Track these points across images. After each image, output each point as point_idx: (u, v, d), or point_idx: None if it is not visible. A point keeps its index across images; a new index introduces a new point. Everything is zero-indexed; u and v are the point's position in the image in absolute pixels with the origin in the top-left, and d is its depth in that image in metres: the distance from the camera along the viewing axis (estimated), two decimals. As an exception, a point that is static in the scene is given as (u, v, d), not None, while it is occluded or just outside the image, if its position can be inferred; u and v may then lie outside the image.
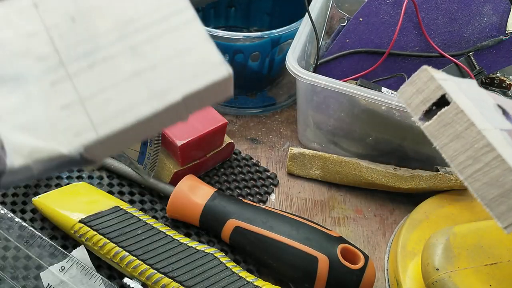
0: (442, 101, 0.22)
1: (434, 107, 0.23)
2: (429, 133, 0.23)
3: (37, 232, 0.39)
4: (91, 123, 0.15)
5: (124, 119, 0.15)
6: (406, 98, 0.26)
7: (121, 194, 0.46)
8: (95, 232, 0.38)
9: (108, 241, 0.38)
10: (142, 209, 0.44)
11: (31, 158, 0.14)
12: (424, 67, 0.24)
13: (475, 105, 0.22)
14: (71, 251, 0.39)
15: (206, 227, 0.42)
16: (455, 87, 0.22)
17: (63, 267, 0.37)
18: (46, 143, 0.14)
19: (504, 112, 0.24)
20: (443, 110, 0.22)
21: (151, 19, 0.17)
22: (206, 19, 0.65)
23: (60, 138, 0.15)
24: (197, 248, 0.38)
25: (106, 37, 0.16)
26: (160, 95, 0.16)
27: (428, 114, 0.23)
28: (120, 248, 0.38)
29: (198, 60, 0.16)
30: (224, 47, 0.52)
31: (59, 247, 0.38)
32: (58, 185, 0.45)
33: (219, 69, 0.16)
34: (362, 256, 0.38)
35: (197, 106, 0.17)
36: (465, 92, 0.22)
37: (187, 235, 0.43)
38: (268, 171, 0.50)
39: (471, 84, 0.25)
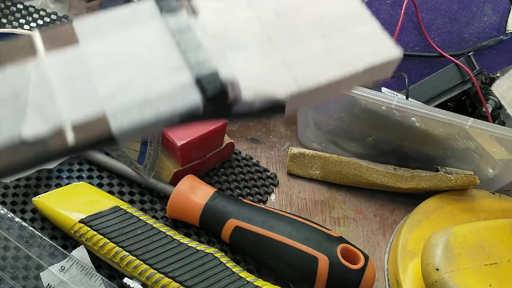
0: None
1: None
2: None
3: (37, 232, 0.39)
4: (294, 80, 0.19)
5: (320, 78, 0.19)
6: (502, 92, 0.27)
7: (121, 194, 0.46)
8: (95, 232, 0.38)
9: (108, 241, 0.38)
10: (142, 209, 0.44)
11: (255, 96, 0.19)
12: None
13: None
14: (71, 251, 0.39)
15: (206, 227, 0.42)
16: None
17: (63, 267, 0.37)
18: (265, 87, 0.19)
19: None
20: None
21: (338, 17, 0.21)
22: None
23: (273, 86, 0.19)
24: (197, 248, 0.38)
25: (302, 27, 0.21)
26: (346, 64, 0.19)
27: None
28: (120, 248, 0.38)
29: (376, 43, 0.20)
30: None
31: (59, 247, 0.38)
32: (58, 185, 0.45)
33: (392, 50, 0.20)
34: (362, 256, 0.38)
35: (373, 77, 0.21)
36: None
37: (187, 235, 0.43)
38: (268, 171, 0.50)
39: None
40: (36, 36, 0.19)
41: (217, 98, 0.18)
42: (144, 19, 0.20)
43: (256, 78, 0.20)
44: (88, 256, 0.39)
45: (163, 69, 0.19)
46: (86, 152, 0.47)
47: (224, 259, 0.38)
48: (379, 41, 0.20)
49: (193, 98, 0.18)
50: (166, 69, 0.19)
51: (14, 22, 0.64)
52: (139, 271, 0.37)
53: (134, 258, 0.37)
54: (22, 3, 0.65)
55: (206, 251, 0.38)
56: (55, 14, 0.66)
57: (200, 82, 0.18)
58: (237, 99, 0.19)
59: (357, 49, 0.20)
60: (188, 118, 0.18)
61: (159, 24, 0.20)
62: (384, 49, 0.20)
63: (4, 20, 0.64)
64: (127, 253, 0.37)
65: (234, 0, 0.21)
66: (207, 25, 0.21)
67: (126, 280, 0.37)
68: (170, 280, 0.36)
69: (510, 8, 0.48)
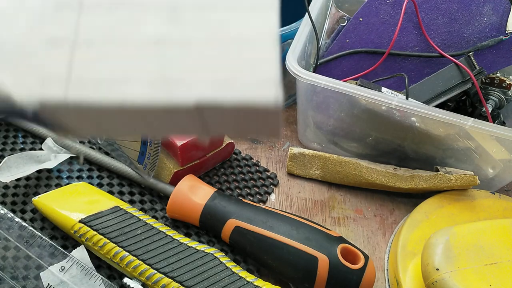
0: None
1: None
2: None
3: (37, 232, 0.39)
4: (67, 77, 0.12)
5: (107, 92, 0.11)
6: None
7: (121, 194, 0.46)
8: (95, 232, 0.38)
9: (108, 241, 0.38)
10: (142, 209, 0.44)
11: None
12: None
13: None
14: (71, 251, 0.39)
15: (206, 227, 0.42)
16: None
17: (63, 267, 0.37)
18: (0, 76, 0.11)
19: None
20: None
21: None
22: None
23: (21, 77, 0.12)
24: (197, 248, 0.38)
25: None
26: (169, 84, 0.12)
27: None
28: (120, 248, 0.38)
29: (245, 63, 0.12)
30: (224, 47, 0.52)
31: (59, 247, 0.38)
32: (58, 185, 0.45)
33: (267, 92, 0.12)
34: (362, 256, 0.38)
35: (216, 125, 0.13)
36: None
37: (187, 235, 0.43)
38: (268, 171, 0.50)
39: None
40: None
41: None
42: None
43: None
44: (88, 256, 0.39)
45: None
46: None
47: (224, 259, 0.38)
48: (254, 64, 0.13)
49: None
50: None
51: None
52: (139, 271, 0.37)
53: (134, 258, 0.37)
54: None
55: (206, 251, 0.38)
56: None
57: None
58: None
59: (205, 61, 0.13)
60: None
61: None
62: (252, 82, 0.12)
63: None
64: (127, 253, 0.37)
65: None
66: None
67: (126, 280, 0.37)
68: (170, 280, 0.36)
69: (510, 8, 0.48)
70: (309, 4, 0.50)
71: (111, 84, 0.12)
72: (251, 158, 0.51)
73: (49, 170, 0.46)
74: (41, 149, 0.47)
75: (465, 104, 0.51)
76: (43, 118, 0.12)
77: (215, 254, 0.38)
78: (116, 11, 0.13)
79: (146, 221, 0.40)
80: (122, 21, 0.13)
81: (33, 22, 0.12)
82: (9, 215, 0.40)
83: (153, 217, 0.44)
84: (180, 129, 0.13)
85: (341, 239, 0.39)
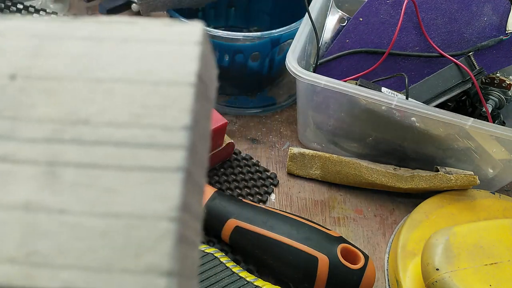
0: None
1: None
2: None
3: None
4: None
5: None
6: None
7: (121, 194, 0.46)
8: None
9: (108, 241, 0.38)
10: (142, 209, 0.44)
11: None
12: None
13: None
14: (71, 251, 0.39)
15: (206, 227, 0.42)
16: None
17: (63, 267, 0.37)
18: None
19: None
20: None
21: (112, 136, 0.11)
22: (206, 19, 0.65)
23: None
24: (197, 248, 0.38)
25: (32, 126, 0.11)
26: (31, 265, 0.10)
27: None
28: (120, 248, 0.38)
29: (132, 242, 0.10)
30: (224, 47, 0.52)
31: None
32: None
33: (154, 282, 0.10)
34: (362, 256, 0.38)
35: None
36: None
37: None
38: (268, 171, 0.50)
39: None
40: None
41: None
42: None
43: None
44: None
45: None
46: None
47: (224, 259, 0.38)
48: (144, 243, 0.10)
49: None
50: None
51: (14, 22, 0.64)
52: (139, 271, 0.37)
53: (134, 258, 0.37)
54: (22, 3, 0.65)
55: (206, 251, 0.38)
56: (55, 14, 0.66)
57: None
58: None
59: (81, 237, 0.10)
60: None
61: None
62: (135, 268, 0.10)
63: (4, 20, 0.64)
64: (127, 253, 0.37)
65: None
66: None
67: (126, 280, 0.37)
68: (170, 280, 0.36)
69: (510, 8, 0.48)
70: (309, 4, 0.50)
71: None
72: (251, 158, 0.51)
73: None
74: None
75: (465, 104, 0.51)
76: None
77: (215, 254, 0.38)
78: None
79: (146, 221, 0.40)
80: None
81: None
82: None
83: (153, 217, 0.44)
84: None
85: (341, 239, 0.39)
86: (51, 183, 0.10)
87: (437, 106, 0.46)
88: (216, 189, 0.43)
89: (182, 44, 0.12)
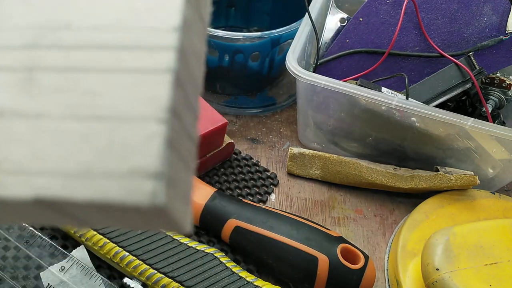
0: None
1: None
2: None
3: (37, 232, 0.39)
4: None
5: None
6: None
7: (121, 194, 0.46)
8: (95, 232, 0.38)
9: (108, 241, 0.38)
10: (142, 209, 0.44)
11: None
12: None
13: None
14: (71, 251, 0.39)
15: (206, 227, 0.42)
16: None
17: (63, 267, 0.37)
18: None
19: None
20: None
21: (94, 39, 0.10)
22: (206, 19, 0.65)
23: None
24: (197, 248, 0.38)
25: (9, 33, 0.10)
26: (2, 169, 0.09)
27: None
28: (120, 248, 0.38)
29: (115, 147, 0.09)
30: (224, 47, 0.52)
31: (59, 247, 0.38)
32: (58, 185, 0.45)
33: (139, 185, 0.09)
34: (362, 256, 0.38)
35: (94, 220, 0.10)
36: None
37: (187, 235, 0.43)
38: (268, 171, 0.50)
39: None
40: None
41: None
42: None
43: None
44: (88, 256, 0.39)
45: None
46: None
47: (224, 259, 0.38)
48: (129, 147, 0.09)
49: None
50: None
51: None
52: (139, 271, 0.37)
53: (134, 258, 0.37)
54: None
55: (206, 251, 0.38)
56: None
57: None
58: None
59: (57, 143, 0.09)
60: None
61: None
62: (120, 173, 0.09)
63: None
64: (127, 253, 0.37)
65: None
66: None
67: (126, 280, 0.37)
68: (170, 280, 0.36)
69: (510, 8, 0.48)
70: (309, 4, 0.50)
71: None
72: (251, 158, 0.51)
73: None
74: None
75: (465, 104, 0.51)
76: None
77: (215, 254, 0.38)
78: None
79: (146, 221, 0.40)
80: None
81: None
82: (9, 215, 0.40)
83: (153, 217, 0.44)
84: (28, 218, 0.10)
85: (341, 239, 0.39)
86: (29, 89, 0.10)
87: (437, 106, 0.46)
88: (216, 189, 0.43)
89: None
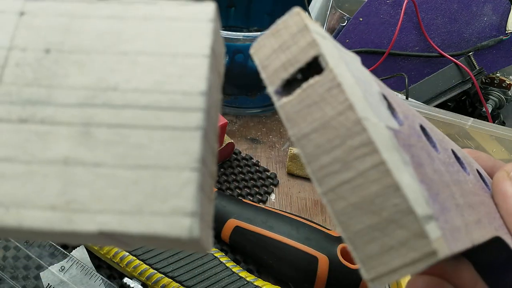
0: (314, 68, 0.14)
1: (300, 76, 0.14)
2: (285, 114, 0.14)
3: (37, 232, 0.39)
4: None
5: (3, 215, 0.12)
6: (263, 57, 0.15)
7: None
8: (95, 232, 0.38)
9: (108, 241, 0.38)
10: (142, 209, 0.44)
11: None
12: (297, 9, 0.15)
13: (359, 85, 0.13)
14: (71, 251, 0.39)
15: (206, 227, 0.42)
16: (335, 51, 0.14)
17: (63, 267, 0.37)
18: None
19: (390, 107, 0.15)
20: (311, 81, 0.14)
21: (137, 101, 0.12)
22: (206, 19, 0.65)
23: None
24: (197, 248, 0.38)
25: (66, 93, 0.13)
26: (70, 211, 0.12)
27: (290, 85, 0.14)
28: (120, 248, 0.38)
29: (158, 190, 0.12)
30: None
31: (59, 247, 0.38)
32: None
33: (180, 222, 0.11)
34: (362, 256, 0.38)
35: (125, 244, 0.13)
36: (347, 64, 0.14)
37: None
38: (268, 171, 0.50)
39: (355, 60, 0.16)
40: None
41: None
42: None
43: None
44: (88, 256, 0.39)
45: None
46: None
47: (224, 259, 0.38)
48: (169, 191, 0.12)
49: None
50: None
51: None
52: (139, 271, 0.37)
53: (134, 258, 0.37)
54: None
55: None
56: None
57: None
58: None
59: (114, 185, 0.12)
60: None
61: None
62: (163, 212, 0.12)
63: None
64: (127, 253, 0.37)
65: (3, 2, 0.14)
66: None
67: (126, 280, 0.37)
68: (170, 280, 0.36)
69: (510, 8, 0.48)
70: (309, 4, 0.50)
71: (7, 207, 0.12)
72: (251, 158, 0.51)
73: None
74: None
75: (465, 104, 0.51)
76: None
77: (215, 254, 0.38)
78: (24, 125, 0.13)
79: (146, 221, 0.40)
80: (25, 140, 0.12)
81: None
82: (9, 215, 0.40)
83: (153, 217, 0.44)
84: (79, 241, 0.13)
85: (341, 239, 0.39)
86: (86, 141, 0.12)
87: (437, 106, 0.46)
88: (216, 189, 0.43)
89: (197, 21, 0.14)
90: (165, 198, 0.12)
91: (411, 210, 0.12)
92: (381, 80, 0.49)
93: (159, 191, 0.12)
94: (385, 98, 0.15)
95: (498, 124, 0.45)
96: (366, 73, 0.16)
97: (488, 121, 0.46)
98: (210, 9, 0.14)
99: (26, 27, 0.14)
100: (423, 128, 0.16)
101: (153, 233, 0.11)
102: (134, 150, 0.12)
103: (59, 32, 0.13)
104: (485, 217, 0.17)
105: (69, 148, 0.12)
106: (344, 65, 0.14)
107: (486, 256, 0.19)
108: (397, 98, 0.17)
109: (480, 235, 0.15)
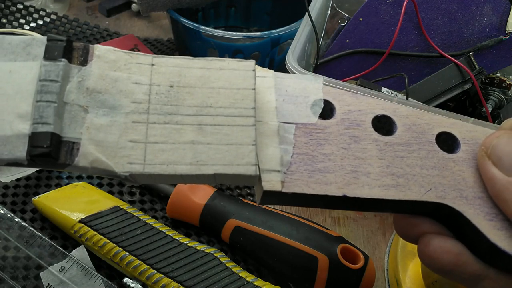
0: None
1: None
2: None
3: (37, 232, 0.39)
4: (144, 160, 0.20)
5: (166, 169, 0.20)
6: None
7: (121, 194, 0.46)
8: (95, 232, 0.38)
9: (108, 241, 0.38)
10: (142, 209, 0.44)
11: (91, 164, 0.20)
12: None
13: (279, 102, 0.23)
14: (71, 251, 0.39)
15: (206, 227, 0.42)
16: (272, 83, 0.24)
17: (63, 267, 0.37)
18: (106, 159, 0.20)
19: (331, 109, 0.25)
20: None
21: (223, 112, 0.22)
22: (206, 19, 0.65)
23: (118, 160, 0.20)
24: (197, 248, 0.38)
25: (186, 109, 0.22)
26: (199, 164, 0.21)
27: None
28: (120, 248, 0.38)
29: (238, 154, 0.21)
30: (224, 47, 0.52)
31: (59, 247, 0.38)
32: (58, 185, 0.45)
33: (250, 168, 0.21)
34: (362, 256, 0.38)
35: (224, 181, 0.22)
36: (280, 89, 0.24)
37: (187, 235, 0.43)
38: (268, 171, 0.50)
39: (306, 81, 0.26)
40: None
41: (41, 157, 0.19)
42: (31, 56, 0.20)
43: (104, 147, 0.20)
44: (88, 256, 0.39)
45: (13, 113, 0.19)
46: None
47: (224, 259, 0.38)
48: (244, 152, 0.21)
49: (19, 152, 0.19)
50: (14, 114, 0.19)
51: (14, 22, 0.64)
52: (139, 271, 0.37)
53: (134, 258, 0.37)
54: (22, 3, 0.65)
55: (206, 251, 0.38)
56: (55, 14, 0.66)
57: (32, 138, 0.19)
58: (68, 162, 0.19)
59: (218, 153, 0.21)
60: (15, 164, 0.19)
61: (37, 66, 0.20)
62: (244, 163, 0.21)
63: (4, 20, 0.64)
64: (127, 253, 0.37)
65: (139, 58, 0.22)
66: (90, 77, 0.21)
67: (126, 280, 0.37)
68: (170, 280, 0.36)
69: (510, 8, 0.48)
70: (309, 4, 0.50)
71: (167, 164, 0.21)
72: (251, 158, 0.51)
73: (49, 170, 0.46)
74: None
75: (465, 104, 0.51)
76: (128, 179, 0.20)
77: (215, 254, 0.38)
78: (168, 125, 0.21)
79: (146, 221, 0.40)
80: (170, 132, 0.21)
81: (122, 132, 0.21)
82: (9, 215, 0.40)
83: (153, 217, 0.44)
84: (203, 181, 0.22)
85: (341, 239, 0.39)
86: (202, 132, 0.21)
87: (437, 106, 0.46)
88: (216, 189, 0.43)
89: (247, 70, 0.23)
90: (242, 157, 0.21)
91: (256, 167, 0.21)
92: (381, 80, 0.49)
93: (239, 154, 0.21)
94: (328, 103, 0.26)
95: (498, 124, 0.45)
96: (309, 89, 0.26)
97: (488, 121, 0.46)
98: (252, 64, 0.23)
99: (157, 72, 0.22)
100: (378, 119, 0.25)
101: (239, 173, 0.20)
102: (225, 136, 0.21)
103: (175, 75, 0.22)
104: (428, 184, 0.22)
105: (193, 136, 0.21)
106: (274, 93, 0.24)
107: (454, 228, 0.22)
108: (362, 100, 0.26)
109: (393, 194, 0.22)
